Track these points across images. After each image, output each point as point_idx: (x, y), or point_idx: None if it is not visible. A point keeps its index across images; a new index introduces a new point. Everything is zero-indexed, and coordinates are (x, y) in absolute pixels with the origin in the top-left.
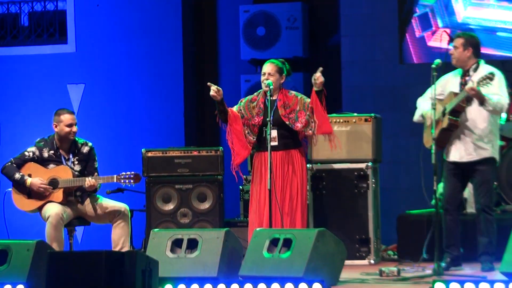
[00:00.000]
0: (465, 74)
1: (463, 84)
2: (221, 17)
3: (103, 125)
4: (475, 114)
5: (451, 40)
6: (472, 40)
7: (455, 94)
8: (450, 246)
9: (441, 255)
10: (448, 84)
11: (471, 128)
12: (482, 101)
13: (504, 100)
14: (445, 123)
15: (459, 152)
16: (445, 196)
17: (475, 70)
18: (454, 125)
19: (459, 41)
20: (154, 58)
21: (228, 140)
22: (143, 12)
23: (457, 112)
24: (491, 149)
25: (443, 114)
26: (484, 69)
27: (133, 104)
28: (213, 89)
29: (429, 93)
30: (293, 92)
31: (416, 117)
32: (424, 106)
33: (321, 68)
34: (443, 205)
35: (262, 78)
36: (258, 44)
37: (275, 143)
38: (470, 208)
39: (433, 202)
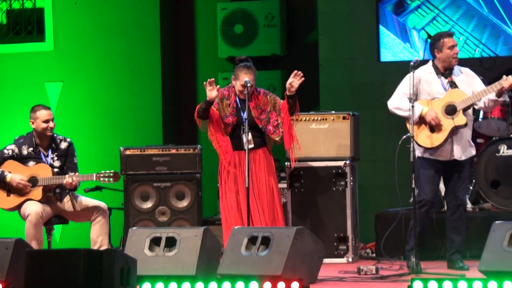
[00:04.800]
0: (449, 73)
1: (454, 83)
2: (199, 15)
3: (81, 123)
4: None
5: (429, 37)
6: None
7: (458, 91)
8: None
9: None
10: (422, 83)
11: (468, 127)
12: (502, 93)
13: None
14: (461, 120)
15: (460, 150)
16: (428, 195)
17: (453, 69)
18: (467, 123)
19: (456, 41)
20: (132, 56)
21: (213, 141)
22: (121, 9)
23: (468, 109)
24: (474, 147)
25: (452, 112)
26: (460, 68)
27: (111, 102)
28: (212, 88)
29: (403, 92)
30: (261, 90)
31: (416, 116)
32: (410, 105)
33: (297, 72)
34: (426, 204)
35: (242, 88)
36: (236, 42)
37: (251, 146)
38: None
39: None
